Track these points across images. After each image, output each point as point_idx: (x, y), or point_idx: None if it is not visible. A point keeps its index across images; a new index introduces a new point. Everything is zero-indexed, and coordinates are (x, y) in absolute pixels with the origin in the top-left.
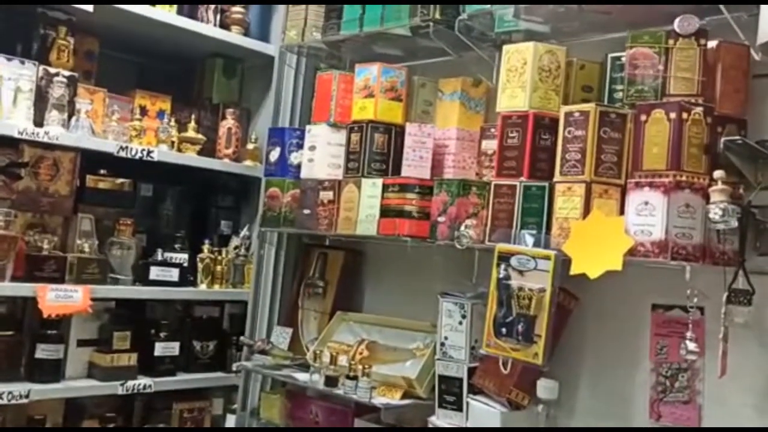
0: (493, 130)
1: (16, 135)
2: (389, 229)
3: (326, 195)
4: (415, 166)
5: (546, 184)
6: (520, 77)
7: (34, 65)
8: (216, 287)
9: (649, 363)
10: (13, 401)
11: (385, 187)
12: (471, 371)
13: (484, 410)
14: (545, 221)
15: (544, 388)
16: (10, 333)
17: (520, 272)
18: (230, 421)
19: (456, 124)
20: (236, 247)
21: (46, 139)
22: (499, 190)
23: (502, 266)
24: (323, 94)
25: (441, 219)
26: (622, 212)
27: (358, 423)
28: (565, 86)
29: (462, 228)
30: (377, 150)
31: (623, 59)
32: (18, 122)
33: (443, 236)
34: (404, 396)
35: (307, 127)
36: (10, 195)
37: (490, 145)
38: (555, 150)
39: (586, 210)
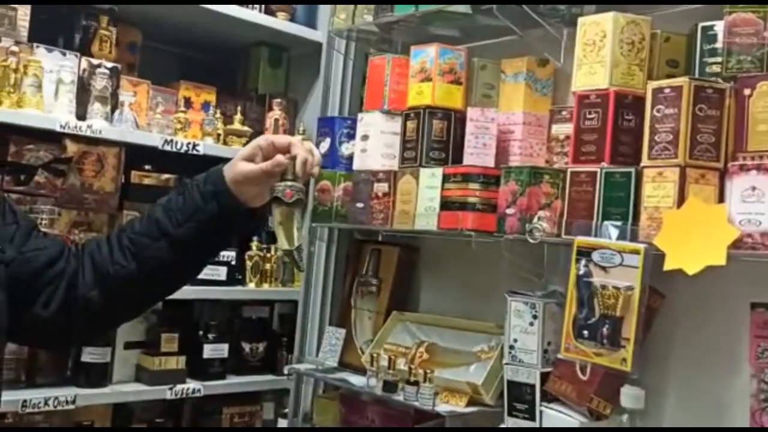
0: (564, 112)
1: (58, 129)
2: (451, 222)
3: (381, 187)
4: (477, 154)
5: (632, 169)
6: (598, 52)
7: (76, 56)
8: (265, 286)
9: (749, 368)
10: (59, 407)
11: (445, 178)
12: (544, 377)
13: (561, 420)
14: (631, 211)
15: (629, 396)
16: None
17: (604, 268)
18: (282, 426)
19: (522, 108)
20: None
21: (88, 133)
22: (577, 177)
23: (582, 262)
24: (376, 79)
25: (510, 211)
26: (720, 199)
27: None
28: (648, 61)
29: (535, 220)
30: (436, 137)
31: (716, 28)
32: (60, 116)
33: (513, 230)
34: (470, 403)
35: (359, 115)
36: (53, 192)
37: (562, 129)
38: (639, 132)
39: (681, 198)
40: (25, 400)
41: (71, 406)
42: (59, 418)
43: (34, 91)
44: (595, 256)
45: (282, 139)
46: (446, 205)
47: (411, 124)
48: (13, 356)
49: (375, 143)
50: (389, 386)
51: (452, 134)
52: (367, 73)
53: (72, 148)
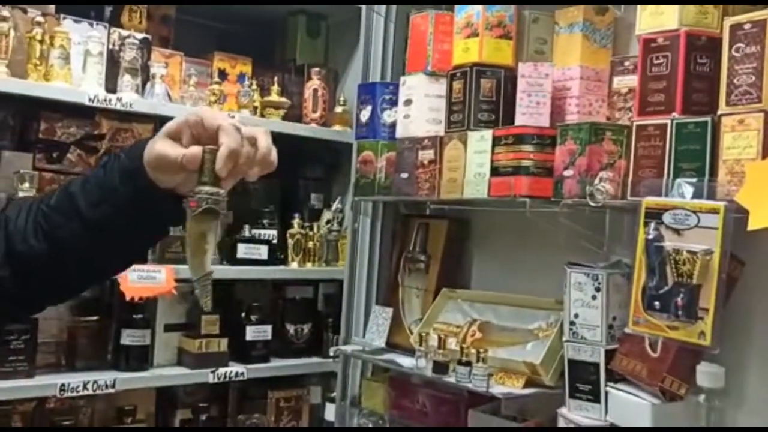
0: (627, 63)
1: (86, 102)
2: (503, 189)
3: (426, 155)
4: (530, 113)
5: (707, 119)
6: None
7: (104, 27)
8: (308, 265)
9: None
10: (99, 391)
11: (495, 140)
12: (609, 354)
13: (629, 402)
14: (708, 166)
15: (707, 374)
16: (95, 318)
17: (677, 231)
18: (329, 411)
19: (579, 62)
20: (328, 222)
21: (118, 106)
22: (643, 131)
23: (652, 225)
24: (418, 39)
25: (568, 173)
26: None
27: (473, 415)
28: None
29: (596, 182)
30: (484, 98)
31: None
32: (88, 88)
33: (571, 194)
34: (527, 384)
35: (401, 78)
36: (87, 170)
37: (625, 82)
38: (715, 77)
39: (766, 148)
40: (63, 384)
41: (111, 390)
42: (102, 403)
43: (61, 64)
44: (667, 217)
45: (213, 118)
46: (497, 170)
47: (457, 85)
48: (52, 339)
49: (419, 108)
50: (440, 367)
51: (502, 93)
52: (409, 33)
53: (106, 124)
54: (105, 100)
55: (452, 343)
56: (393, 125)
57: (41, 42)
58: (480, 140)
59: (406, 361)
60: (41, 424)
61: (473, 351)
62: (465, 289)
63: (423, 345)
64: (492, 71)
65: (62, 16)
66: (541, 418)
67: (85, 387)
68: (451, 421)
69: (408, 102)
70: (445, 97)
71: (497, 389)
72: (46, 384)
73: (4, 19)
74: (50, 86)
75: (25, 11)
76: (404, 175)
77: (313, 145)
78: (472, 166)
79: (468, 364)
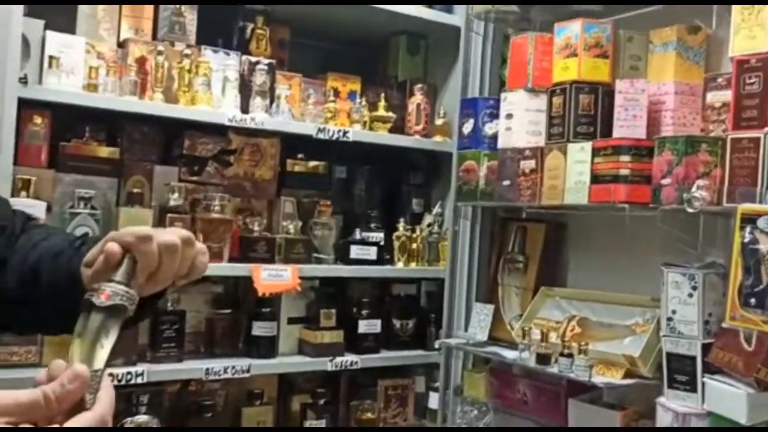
0: (720, 79)
1: (226, 122)
2: (603, 196)
3: (528, 164)
4: (628, 126)
5: None
6: (758, 15)
7: (237, 55)
8: (412, 265)
9: None
10: (236, 375)
11: (595, 151)
12: (705, 348)
13: (725, 391)
14: None
15: None
16: (230, 311)
17: None
18: (433, 399)
19: (673, 77)
20: (429, 224)
21: (252, 125)
22: (738, 144)
23: (747, 229)
24: (518, 58)
25: (666, 181)
26: None
27: (573, 403)
28: None
29: (693, 189)
30: (583, 112)
31: None
32: (227, 110)
33: (669, 200)
34: (626, 375)
35: (502, 94)
36: (222, 181)
37: (718, 97)
38: None
39: None
40: (208, 369)
41: (246, 375)
42: (234, 386)
43: (204, 89)
44: (761, 222)
45: (143, 229)
46: (597, 178)
47: (557, 100)
48: (193, 330)
49: (520, 121)
50: (543, 359)
51: (600, 108)
52: (509, 53)
53: (236, 140)
54: (242, 121)
55: (553, 337)
56: (494, 137)
57: (189, 71)
58: (580, 151)
59: (508, 353)
60: (186, 404)
61: (574, 344)
62: (561, 287)
63: (526, 338)
64: (590, 87)
65: (203, 47)
66: (639, 406)
67: (225, 371)
68: (551, 409)
69: (509, 116)
70: (545, 112)
71: (598, 379)
72: (193, 368)
73: (160, 53)
74: (197, 109)
75: (172, 44)
76: (506, 183)
77: (413, 154)
78: (573, 174)
79: (570, 356)
